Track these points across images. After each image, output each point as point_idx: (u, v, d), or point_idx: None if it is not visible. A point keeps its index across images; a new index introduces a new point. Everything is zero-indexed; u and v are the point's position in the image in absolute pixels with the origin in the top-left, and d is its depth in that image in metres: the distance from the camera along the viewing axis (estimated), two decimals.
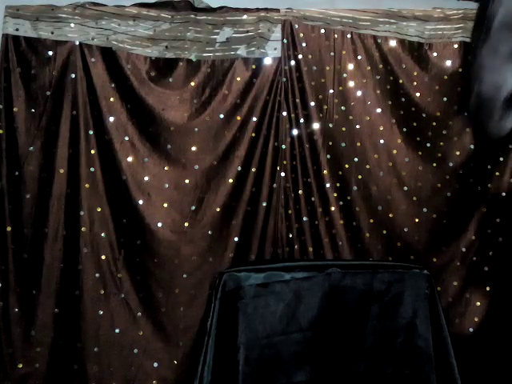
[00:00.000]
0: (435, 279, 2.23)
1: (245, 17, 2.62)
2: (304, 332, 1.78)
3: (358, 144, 2.63)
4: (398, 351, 1.79)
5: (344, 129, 2.63)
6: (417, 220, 2.61)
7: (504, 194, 2.63)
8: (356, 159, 2.63)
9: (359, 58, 2.64)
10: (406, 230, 2.61)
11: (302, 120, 2.60)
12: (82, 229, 2.51)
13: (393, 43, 2.64)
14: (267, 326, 1.78)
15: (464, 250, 2.62)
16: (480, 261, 2.61)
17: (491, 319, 2.57)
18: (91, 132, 2.55)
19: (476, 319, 2.58)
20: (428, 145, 2.64)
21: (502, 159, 2.64)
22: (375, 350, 1.78)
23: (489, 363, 2.53)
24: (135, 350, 2.51)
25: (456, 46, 2.64)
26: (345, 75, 2.63)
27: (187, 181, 2.58)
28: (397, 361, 1.79)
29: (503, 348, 2.55)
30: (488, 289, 2.59)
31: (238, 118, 2.60)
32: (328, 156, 2.60)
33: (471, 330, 2.57)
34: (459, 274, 2.60)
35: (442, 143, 2.64)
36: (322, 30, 2.63)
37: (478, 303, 2.59)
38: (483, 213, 2.63)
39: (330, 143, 2.61)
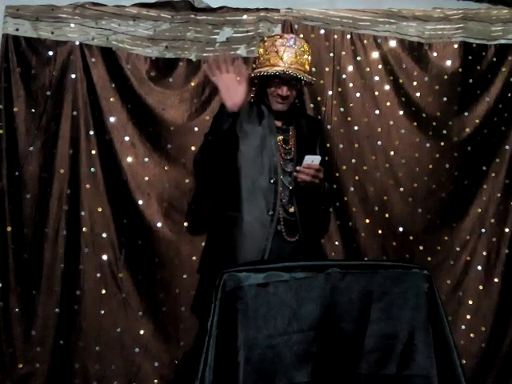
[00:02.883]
0: None
1: (245, 17, 2.62)
2: (304, 332, 1.78)
3: (356, 145, 2.64)
4: (399, 351, 1.79)
5: (342, 130, 2.63)
6: (412, 220, 2.63)
7: (499, 194, 2.64)
8: (353, 160, 2.64)
9: (358, 58, 2.64)
10: (401, 229, 2.62)
11: None
12: (83, 229, 2.51)
13: (393, 43, 2.64)
14: (267, 326, 1.77)
15: (458, 249, 2.65)
16: (473, 260, 2.64)
17: (483, 317, 2.61)
18: (91, 132, 2.55)
19: (468, 317, 2.61)
20: (427, 145, 2.65)
21: (497, 160, 2.65)
22: (375, 350, 1.78)
23: (480, 359, 2.58)
24: (136, 350, 2.52)
25: (456, 45, 2.64)
26: (344, 76, 2.63)
27: (187, 180, 2.58)
28: (397, 361, 1.78)
29: (495, 345, 2.59)
30: (481, 287, 2.62)
31: None
32: (326, 158, 2.60)
33: (463, 327, 2.60)
34: (453, 273, 2.64)
35: (442, 143, 2.65)
36: (322, 31, 2.63)
37: (471, 302, 2.62)
38: (478, 213, 2.64)
39: (328, 145, 2.61)
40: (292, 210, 2.22)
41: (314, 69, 2.61)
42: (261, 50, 2.29)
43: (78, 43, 2.55)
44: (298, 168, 2.15)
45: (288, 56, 2.21)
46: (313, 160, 2.14)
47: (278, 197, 2.20)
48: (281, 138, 2.27)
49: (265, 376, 1.73)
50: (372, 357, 1.78)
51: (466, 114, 2.65)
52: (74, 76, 2.54)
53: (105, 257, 2.53)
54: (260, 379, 1.72)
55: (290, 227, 2.21)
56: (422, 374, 1.78)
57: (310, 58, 2.30)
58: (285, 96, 2.24)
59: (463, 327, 2.60)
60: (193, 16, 2.61)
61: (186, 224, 2.56)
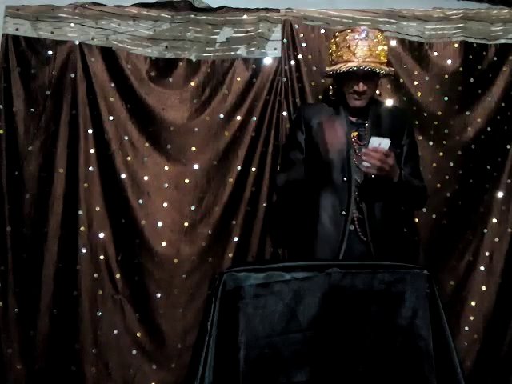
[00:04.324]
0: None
1: (245, 17, 2.62)
2: (304, 332, 1.77)
3: None
4: (398, 351, 1.78)
5: None
6: (416, 220, 2.61)
7: (501, 194, 2.63)
8: None
9: None
10: (404, 230, 2.60)
11: None
12: (81, 228, 2.50)
13: (393, 43, 2.63)
14: (267, 325, 1.77)
15: (461, 249, 2.62)
16: (476, 261, 2.62)
17: (487, 319, 2.57)
18: (90, 131, 2.54)
19: (471, 318, 2.58)
20: (430, 143, 2.63)
21: (499, 159, 2.64)
22: (375, 350, 1.77)
23: (485, 362, 2.54)
24: (133, 352, 2.50)
25: (456, 45, 2.63)
26: None
27: (187, 180, 2.57)
28: (397, 361, 1.77)
29: (499, 347, 2.56)
30: (484, 288, 2.60)
31: (238, 117, 2.60)
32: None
33: (466, 328, 2.57)
34: (456, 274, 2.61)
35: (444, 142, 2.64)
36: (322, 30, 2.63)
37: (474, 303, 2.59)
38: (481, 213, 2.63)
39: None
40: (363, 209, 2.15)
41: (314, 68, 2.60)
42: (333, 47, 2.23)
43: (77, 43, 2.55)
44: (363, 150, 2.05)
45: (361, 50, 2.13)
46: (380, 143, 2.00)
47: (351, 196, 2.15)
48: (355, 133, 2.21)
49: (264, 375, 1.73)
50: (371, 356, 1.77)
51: (467, 113, 2.64)
52: (73, 76, 2.54)
53: (102, 257, 2.52)
54: (259, 378, 1.72)
55: (365, 226, 2.15)
56: (420, 373, 1.77)
57: (385, 47, 2.19)
58: (361, 92, 2.16)
59: (466, 328, 2.57)
60: (193, 16, 2.61)
61: (185, 224, 2.55)
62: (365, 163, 2.03)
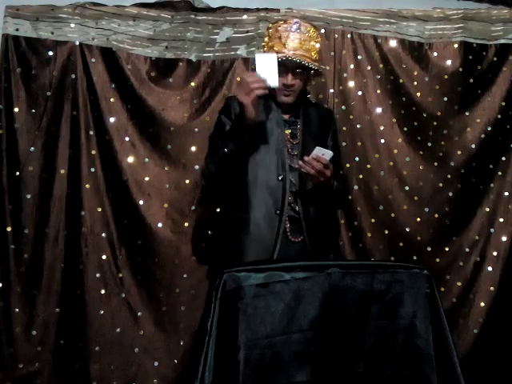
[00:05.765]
0: (439, 280, 2.22)
1: (245, 17, 2.62)
2: (304, 332, 1.77)
3: (359, 143, 2.63)
4: (398, 351, 1.78)
5: (344, 128, 2.62)
6: (419, 220, 2.61)
7: (506, 193, 2.62)
8: (357, 159, 2.63)
9: (359, 57, 2.64)
10: (407, 229, 2.60)
11: None
12: (83, 229, 2.51)
13: (393, 43, 2.64)
14: (267, 326, 1.77)
15: (467, 250, 2.61)
16: (483, 261, 2.60)
17: (495, 320, 2.56)
18: (91, 132, 2.55)
19: (480, 320, 2.56)
20: (429, 144, 2.64)
21: (504, 159, 2.64)
22: (375, 350, 1.78)
23: (493, 364, 2.52)
24: (136, 349, 2.52)
25: (456, 45, 2.64)
26: (345, 75, 2.63)
27: (187, 181, 2.58)
28: (397, 361, 1.78)
29: (508, 349, 2.54)
30: (492, 289, 2.58)
31: None
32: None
33: (475, 331, 2.56)
34: (463, 275, 2.59)
35: (443, 142, 2.64)
36: (322, 30, 2.62)
37: (482, 304, 2.57)
38: (486, 212, 2.62)
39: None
40: (298, 208, 2.11)
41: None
42: (266, 39, 2.21)
43: (77, 43, 2.55)
44: (305, 158, 2.01)
45: (292, 42, 2.10)
46: (323, 154, 2.01)
47: (286, 195, 2.10)
48: (289, 131, 2.17)
49: (264, 375, 1.73)
50: (371, 356, 1.78)
51: (466, 113, 2.64)
52: (74, 76, 2.54)
53: (104, 257, 2.53)
54: (260, 379, 1.72)
55: (296, 226, 2.11)
56: (421, 373, 1.78)
57: (317, 45, 2.16)
58: (290, 85, 2.11)
59: (475, 331, 2.55)
60: (193, 16, 2.61)
61: (186, 224, 2.56)
62: (303, 169, 2.02)
